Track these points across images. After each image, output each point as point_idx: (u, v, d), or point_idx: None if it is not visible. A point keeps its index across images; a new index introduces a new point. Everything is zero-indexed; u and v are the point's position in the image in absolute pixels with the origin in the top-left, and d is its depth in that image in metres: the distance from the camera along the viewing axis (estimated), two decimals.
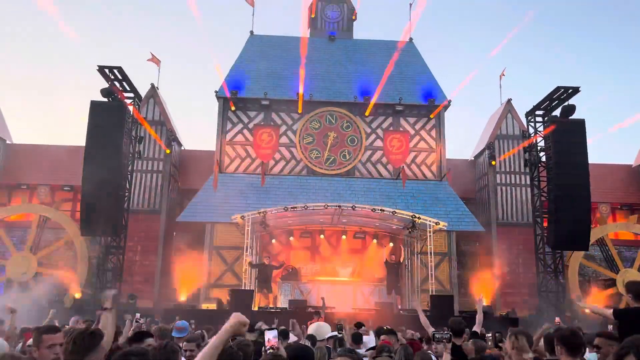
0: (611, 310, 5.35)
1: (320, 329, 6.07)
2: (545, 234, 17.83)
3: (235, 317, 2.48)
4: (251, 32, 22.85)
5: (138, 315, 8.30)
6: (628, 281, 5.81)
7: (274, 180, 19.79)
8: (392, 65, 20.46)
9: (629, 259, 20.21)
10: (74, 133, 55.80)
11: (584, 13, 52.31)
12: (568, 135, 17.19)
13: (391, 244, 18.94)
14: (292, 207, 16.28)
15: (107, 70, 16.99)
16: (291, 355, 3.56)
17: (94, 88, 21.12)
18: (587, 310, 5.61)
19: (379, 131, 20.92)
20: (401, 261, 18.34)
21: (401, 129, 20.92)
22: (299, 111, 20.64)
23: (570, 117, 17.53)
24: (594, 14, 52.22)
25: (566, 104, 17.64)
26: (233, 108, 20.63)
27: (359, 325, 8.50)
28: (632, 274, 19.30)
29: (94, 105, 17.00)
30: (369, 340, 7.18)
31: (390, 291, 17.07)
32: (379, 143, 20.78)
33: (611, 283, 19.90)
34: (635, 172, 22.70)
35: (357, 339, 6.62)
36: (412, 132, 20.95)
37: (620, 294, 18.44)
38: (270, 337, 3.07)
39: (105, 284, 17.20)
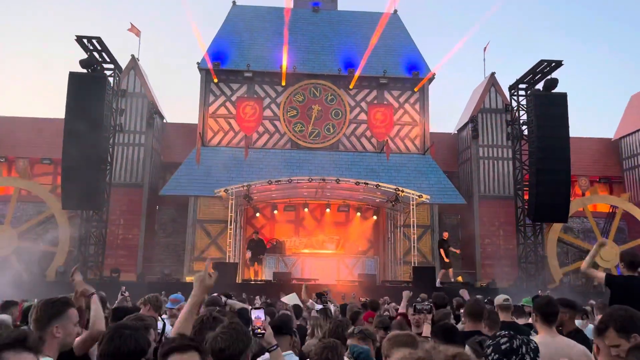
0: (604, 274, 5.29)
1: (292, 299, 7.78)
2: (526, 207, 18.12)
3: (197, 279, 2.78)
4: (234, 2, 22.40)
5: (124, 288, 8.37)
6: (622, 250, 5.86)
7: (257, 154, 19.70)
8: (376, 38, 20.28)
9: (603, 232, 20.62)
10: (54, 105, 54.71)
11: None
12: (550, 108, 17.32)
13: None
14: (276, 181, 16.27)
15: (85, 41, 16.59)
16: (274, 325, 3.60)
17: (73, 59, 20.57)
18: (583, 269, 5.45)
19: (363, 104, 20.85)
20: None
21: (385, 102, 20.87)
22: (283, 84, 20.42)
23: (552, 91, 17.65)
24: None
25: (549, 77, 17.73)
26: (215, 80, 20.33)
27: (320, 295, 9.65)
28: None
29: (73, 76, 16.64)
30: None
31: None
32: (363, 116, 20.73)
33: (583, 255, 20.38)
34: (614, 145, 23.05)
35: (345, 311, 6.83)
36: (396, 105, 20.92)
37: (595, 264, 18.87)
38: (255, 316, 2.99)
39: (88, 257, 17.14)
